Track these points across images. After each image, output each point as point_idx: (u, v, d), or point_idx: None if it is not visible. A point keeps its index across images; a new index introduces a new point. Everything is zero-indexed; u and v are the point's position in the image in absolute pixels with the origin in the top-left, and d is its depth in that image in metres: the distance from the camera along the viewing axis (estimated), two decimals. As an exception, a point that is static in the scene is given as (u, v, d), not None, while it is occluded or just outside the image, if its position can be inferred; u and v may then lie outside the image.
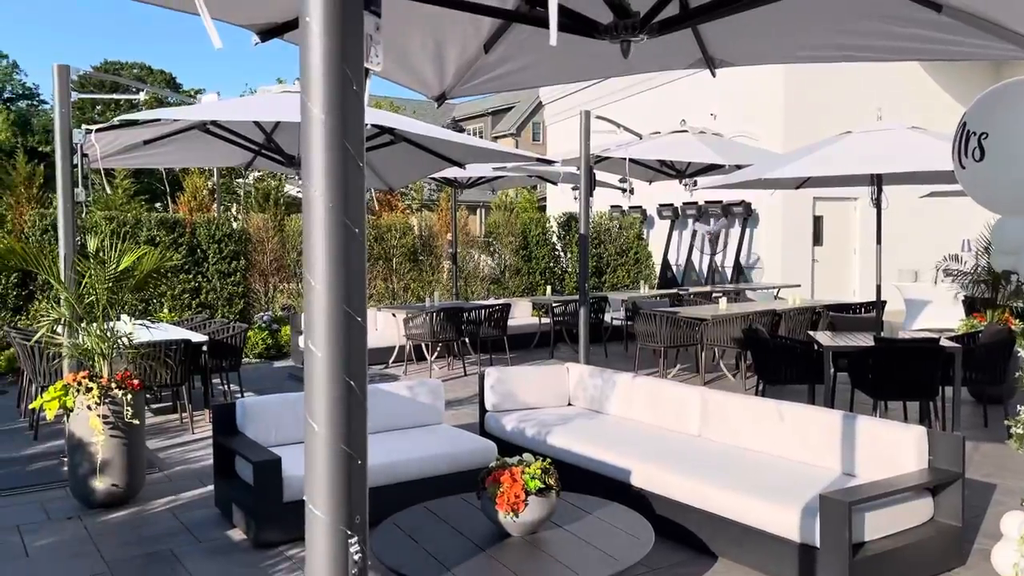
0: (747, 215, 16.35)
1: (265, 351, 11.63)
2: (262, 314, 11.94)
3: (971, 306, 9.22)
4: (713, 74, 4.54)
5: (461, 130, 12.61)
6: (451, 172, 9.17)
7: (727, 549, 4.44)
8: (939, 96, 17.26)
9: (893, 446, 4.43)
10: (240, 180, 20.11)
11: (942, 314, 12.60)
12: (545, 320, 12.06)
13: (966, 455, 6.35)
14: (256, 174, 20.13)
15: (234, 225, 12.82)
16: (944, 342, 6.62)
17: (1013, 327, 7.49)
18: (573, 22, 3.18)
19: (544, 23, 3.25)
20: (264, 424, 5.24)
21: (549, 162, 8.19)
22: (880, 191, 6.91)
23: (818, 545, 3.95)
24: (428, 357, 10.59)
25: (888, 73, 16.41)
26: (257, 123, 6.28)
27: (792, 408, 5.02)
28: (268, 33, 3.46)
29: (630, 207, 18.38)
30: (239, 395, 8.45)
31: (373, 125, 5.99)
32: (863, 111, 15.29)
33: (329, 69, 1.45)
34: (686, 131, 9.32)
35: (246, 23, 3.46)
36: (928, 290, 12.99)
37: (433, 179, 11.22)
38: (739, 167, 8.09)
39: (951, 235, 16.51)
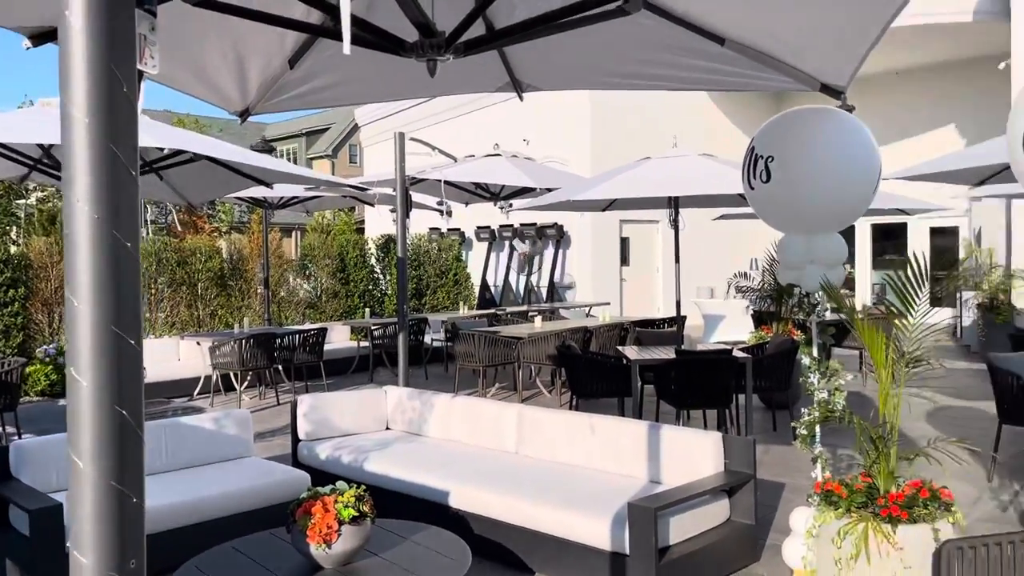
0: (560, 237, 16.94)
1: (49, 387, 10.58)
2: (45, 347, 10.87)
3: (760, 319, 10.02)
4: (520, 98, 4.66)
5: (271, 150, 12.19)
6: (260, 192, 8.81)
7: (544, 564, 4.50)
8: (724, 124, 18.75)
9: (693, 452, 4.68)
10: (20, 201, 18.30)
11: (735, 327, 13.62)
12: (364, 344, 11.83)
13: (757, 457, 6.86)
14: (40, 193, 18.40)
15: (12, 249, 11.62)
16: (736, 353, 7.13)
17: (796, 337, 8.22)
18: (379, 39, 3.13)
19: (354, 42, 3.20)
20: (43, 468, 4.73)
21: (358, 187, 8.07)
22: (677, 213, 7.36)
23: (628, 552, 4.09)
24: (237, 387, 10.06)
25: (681, 102, 17.63)
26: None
27: (603, 421, 5.19)
28: (41, 37, 3.16)
29: (449, 229, 18.52)
30: (16, 437, 7.61)
31: (157, 148, 5.63)
32: (661, 138, 16.35)
33: (93, 68, 1.32)
34: (499, 155, 9.53)
35: (15, 25, 3.14)
36: (723, 305, 14.01)
37: (241, 199, 10.73)
38: (549, 190, 8.38)
39: (741, 254, 17.92)
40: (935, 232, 17.43)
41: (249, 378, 10.47)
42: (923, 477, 4.02)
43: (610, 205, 8.55)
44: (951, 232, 16.98)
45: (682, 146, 7.58)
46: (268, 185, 6.79)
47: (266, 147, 11.81)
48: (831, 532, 3.87)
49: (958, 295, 14.28)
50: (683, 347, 7.62)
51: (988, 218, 14.13)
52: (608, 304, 14.21)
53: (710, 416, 8.54)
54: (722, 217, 10.46)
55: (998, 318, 12.38)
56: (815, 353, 4.64)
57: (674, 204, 7.44)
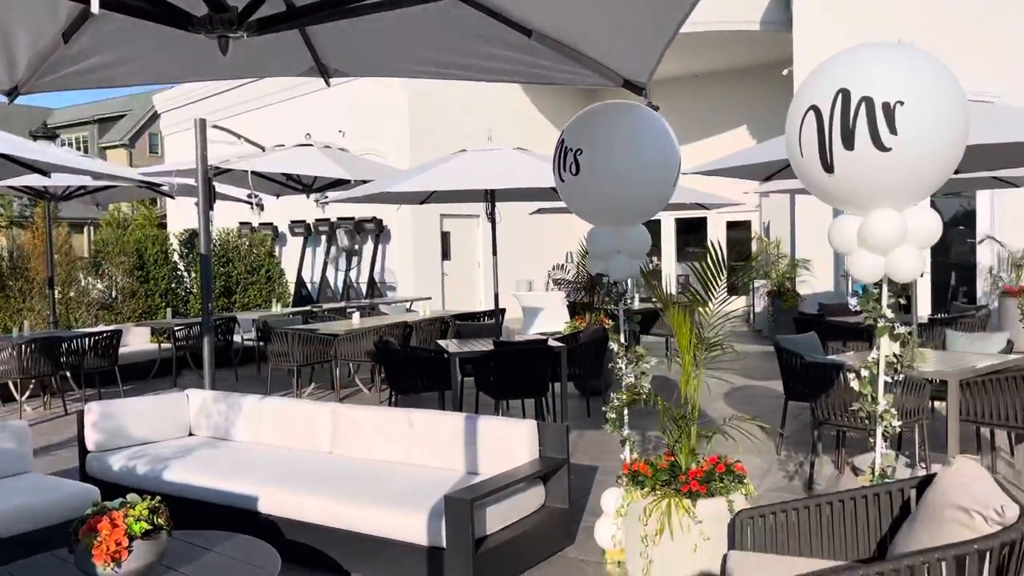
0: (379, 231, 16.68)
1: None
2: None
3: (574, 310, 10.35)
4: (327, 83, 4.49)
5: (53, 137, 11.10)
6: (37, 181, 7.98)
7: (361, 565, 4.37)
8: (540, 120, 19.22)
9: (509, 441, 4.72)
10: None
11: (553, 318, 14.00)
12: (167, 346, 11.06)
13: (573, 443, 7.08)
14: None
15: None
16: (552, 343, 7.30)
17: (606, 326, 8.54)
18: (162, 11, 2.88)
19: (128, 11, 2.92)
20: None
21: (147, 179, 7.50)
22: (493, 207, 7.42)
23: (445, 545, 4.06)
24: (18, 397, 9.09)
25: (499, 96, 17.89)
26: None
27: (420, 415, 5.13)
28: None
29: (261, 224, 17.73)
30: None
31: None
32: (481, 132, 16.50)
33: None
34: (311, 145, 9.19)
35: None
36: (541, 298, 14.37)
37: (17, 189, 9.69)
38: (364, 182, 8.19)
39: (558, 247, 18.46)
40: (731, 226, 18.78)
41: (32, 387, 9.49)
42: (720, 453, 4.27)
43: (428, 198, 8.49)
44: (745, 226, 18.35)
45: (499, 140, 7.65)
46: (44, 173, 6.15)
47: (47, 133, 10.74)
48: (638, 510, 4.02)
49: (751, 284, 15.45)
50: (501, 339, 7.71)
51: (776, 212, 15.39)
52: (429, 299, 14.15)
53: (528, 405, 8.71)
54: (538, 211, 10.70)
55: (785, 304, 13.51)
56: (622, 339, 4.81)
57: (490, 197, 7.49)
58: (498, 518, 4.32)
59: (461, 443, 4.89)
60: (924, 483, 3.24)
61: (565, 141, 4.57)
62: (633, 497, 4.07)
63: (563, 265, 11.99)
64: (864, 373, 3.56)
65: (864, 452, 5.99)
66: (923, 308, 12.93)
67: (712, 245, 4.41)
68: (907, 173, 3.26)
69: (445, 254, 17.30)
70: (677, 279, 19.17)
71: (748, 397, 8.82)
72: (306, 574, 4.45)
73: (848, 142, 3.27)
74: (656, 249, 19.65)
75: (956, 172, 6.92)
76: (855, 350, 7.74)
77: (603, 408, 4.82)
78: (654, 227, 19.64)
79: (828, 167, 3.38)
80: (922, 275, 11.43)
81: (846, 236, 3.52)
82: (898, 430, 3.61)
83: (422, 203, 8.59)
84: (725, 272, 4.32)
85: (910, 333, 7.31)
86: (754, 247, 16.46)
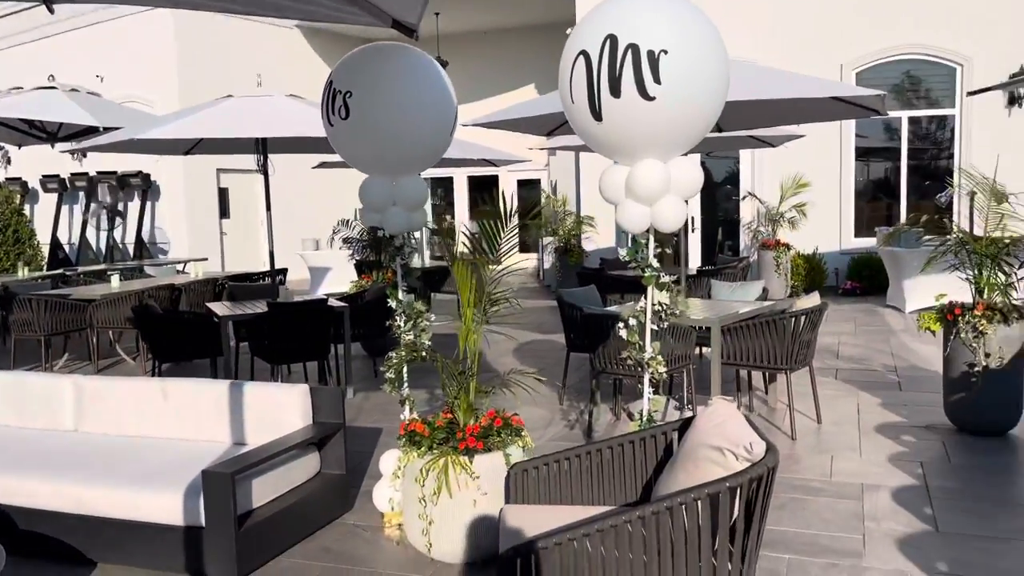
0: (147, 187, 15.30)
1: None
2: None
3: (361, 268, 10.02)
4: (51, 10, 3.85)
5: None
6: None
7: (108, 553, 3.91)
8: (322, 68, 18.38)
9: (280, 408, 4.41)
10: None
11: (341, 278, 13.57)
12: None
13: (357, 405, 6.84)
14: None
15: None
16: (332, 303, 6.97)
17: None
18: None
19: None
20: None
21: None
22: (265, 158, 6.91)
23: (204, 524, 3.71)
24: None
25: (275, 41, 16.88)
26: None
27: (178, 384, 4.67)
28: None
29: (7, 179, 15.72)
30: None
31: None
32: (254, 77, 15.52)
33: None
34: (55, 87, 8.10)
35: None
36: (328, 257, 13.85)
37: None
38: (118, 130, 7.33)
39: (346, 204, 17.88)
40: (522, 184, 19.09)
41: None
42: (499, 407, 4.22)
43: (193, 149, 7.77)
44: (534, 184, 18.72)
45: (275, 86, 7.10)
46: None
47: None
48: (415, 471, 3.88)
49: (540, 241, 15.81)
50: (279, 300, 7.26)
51: (563, 170, 15.78)
52: (206, 259, 13.21)
53: (312, 369, 8.33)
54: (321, 165, 10.19)
55: (571, 260, 13.95)
56: (401, 296, 4.62)
57: (261, 148, 6.97)
58: (267, 489, 4.02)
59: (226, 413, 4.51)
60: (685, 425, 3.34)
61: (334, 82, 4.25)
62: (410, 458, 3.92)
63: (348, 221, 11.57)
64: (632, 322, 3.61)
65: (638, 399, 6.26)
66: (693, 260, 13.84)
67: (498, 197, 4.29)
68: (670, 123, 3.28)
69: (223, 212, 16.22)
70: (471, 236, 19.27)
71: (535, 351, 8.98)
72: (41, 568, 3.92)
73: (615, 90, 3.24)
74: (450, 206, 19.61)
75: (719, 130, 7.33)
76: (634, 301, 8.07)
77: (380, 368, 4.62)
78: (447, 184, 19.57)
79: (597, 115, 3.34)
80: (693, 230, 12.08)
81: (615, 186, 3.52)
82: (665, 376, 3.71)
83: (187, 154, 7.85)
84: (508, 225, 4.23)
85: (676, 282, 7.73)
86: (542, 203, 16.85)
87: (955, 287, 9.98)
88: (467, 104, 17.52)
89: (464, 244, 4.25)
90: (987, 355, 5.23)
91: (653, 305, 3.61)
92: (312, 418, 4.46)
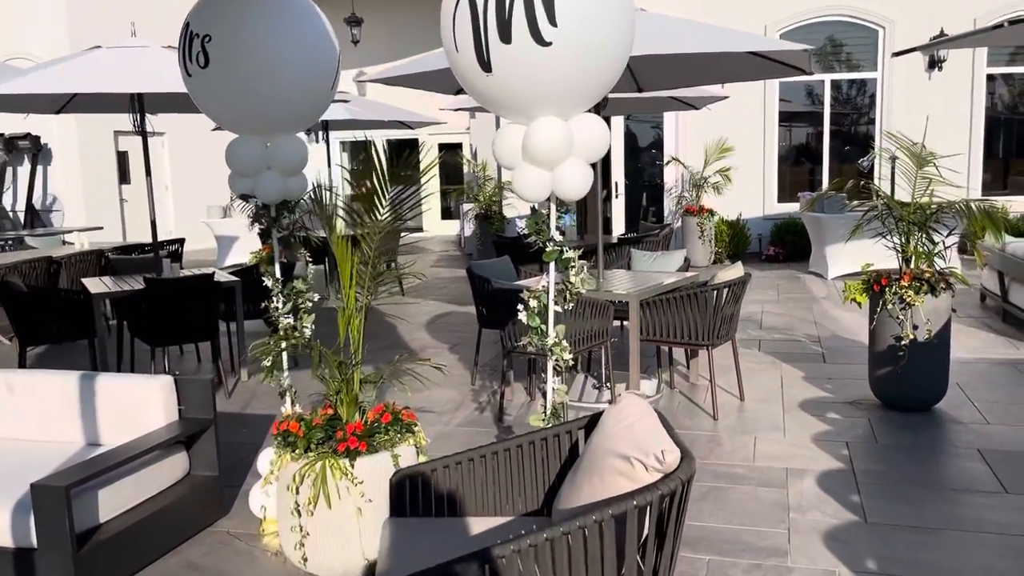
0: (37, 150, 14.15)
1: None
2: None
3: (264, 237, 9.33)
4: None
5: None
6: None
7: (-76, 581, 3.33)
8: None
9: (140, 402, 3.85)
10: None
11: (249, 248, 12.80)
12: None
13: (251, 389, 6.28)
14: None
15: None
16: (221, 276, 6.36)
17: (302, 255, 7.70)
18: None
19: None
20: None
21: None
22: (142, 116, 6.21)
23: (36, 546, 3.16)
24: None
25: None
26: None
27: (22, 377, 4.05)
28: None
29: None
30: None
31: None
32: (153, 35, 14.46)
33: None
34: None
35: None
36: (236, 225, 13.04)
37: None
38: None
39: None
40: (444, 147, 18.45)
41: None
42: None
43: (65, 107, 6.98)
44: (456, 148, 18.11)
45: (145, 37, 6.36)
46: None
47: None
48: (289, 477, 3.39)
49: (461, 208, 15.27)
50: (167, 275, 6.60)
51: (483, 132, 15.22)
52: (101, 228, 12.27)
53: (205, 350, 7.70)
54: (220, 128, 9.41)
55: (491, 228, 13.47)
56: (277, 273, 4.09)
57: (137, 105, 6.25)
58: (119, 499, 3.48)
59: (77, 409, 3.93)
60: (592, 422, 2.93)
61: (191, 25, 3.65)
62: (283, 461, 3.43)
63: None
64: (532, 303, 3.16)
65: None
66: (618, 227, 13.53)
67: (376, 153, 3.76)
68: (570, 73, 2.82)
69: (123, 177, 15.16)
70: (347, 205, 18.59)
71: (451, 324, 8.52)
72: None
73: (505, 34, 2.75)
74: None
75: (639, 90, 6.92)
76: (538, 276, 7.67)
77: (248, 353, 4.08)
78: (366, 148, 18.75)
79: (485, 65, 2.85)
80: (617, 196, 11.74)
81: (510, 149, 3.04)
82: (571, 362, 3.29)
83: (58, 112, 7.05)
84: (389, 187, 3.72)
85: (587, 255, 7.35)
86: (465, 170, 16.28)
87: (877, 253, 9.89)
88: (384, 64, 16.73)
89: (341, 215, 3.73)
90: (915, 327, 4.99)
91: (556, 284, 3.17)
92: (178, 413, 3.91)
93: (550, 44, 2.75)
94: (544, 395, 5.32)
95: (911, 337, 4.99)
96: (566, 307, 3.18)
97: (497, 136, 3.07)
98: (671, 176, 13.28)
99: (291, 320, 4.05)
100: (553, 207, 3.17)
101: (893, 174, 9.99)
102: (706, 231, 12.05)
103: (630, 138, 13.58)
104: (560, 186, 3.01)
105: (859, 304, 5.27)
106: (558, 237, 3.10)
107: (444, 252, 15.31)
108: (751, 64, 5.94)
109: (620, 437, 2.52)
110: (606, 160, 13.78)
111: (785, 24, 12.69)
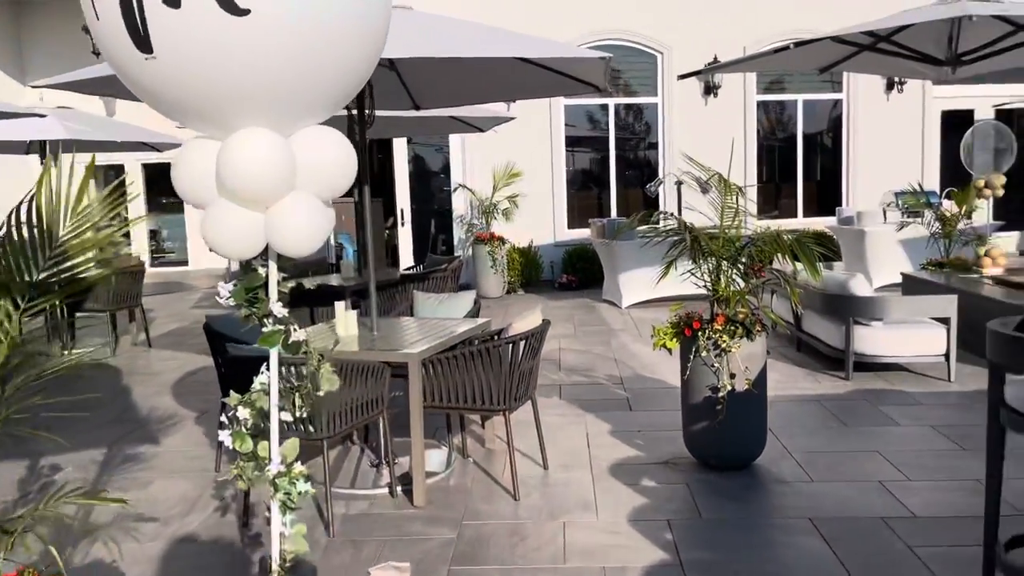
0: None
1: None
2: None
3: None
4: None
5: None
6: None
7: None
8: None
9: None
10: None
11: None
12: None
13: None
14: None
15: None
16: None
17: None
18: None
19: None
20: None
21: None
22: None
23: None
24: None
25: None
26: None
27: None
28: None
29: None
30: None
31: None
32: None
33: None
34: None
35: None
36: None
37: None
38: None
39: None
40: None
41: None
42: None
43: None
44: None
45: None
46: None
47: None
48: None
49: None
50: None
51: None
52: None
53: None
54: None
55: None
56: None
57: None
58: None
59: None
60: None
61: None
62: None
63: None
64: (243, 414, 2.08)
65: (316, 457, 4.75)
66: (406, 258, 12.57)
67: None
68: (283, 59, 1.80)
69: None
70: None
71: (203, 384, 7.12)
72: None
73: (168, -9, 1.69)
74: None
75: (416, 108, 6.01)
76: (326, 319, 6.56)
77: None
78: (119, 173, 16.48)
79: (142, 42, 1.77)
80: (403, 224, 10.63)
81: (198, 175, 1.97)
82: (311, 492, 2.23)
83: None
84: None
85: (356, 303, 6.33)
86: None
87: (669, 280, 9.65)
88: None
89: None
90: (732, 376, 4.41)
91: (283, 381, 2.12)
92: None
93: (247, 13, 1.73)
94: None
95: (729, 388, 4.40)
96: (300, 414, 2.13)
97: (178, 157, 1.99)
98: (460, 203, 12.54)
99: None
100: (274, 266, 2.12)
101: (680, 200, 9.80)
102: (498, 260, 11.38)
103: (417, 162, 12.70)
104: (277, 234, 1.97)
105: (669, 351, 4.64)
106: (279, 311, 2.05)
107: (211, 289, 13.58)
108: (540, 78, 5.21)
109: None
110: (391, 186, 12.80)
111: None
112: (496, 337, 4.49)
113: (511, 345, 4.24)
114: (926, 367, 6.66)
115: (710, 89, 12.59)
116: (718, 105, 12.64)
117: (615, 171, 12.91)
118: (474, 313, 5.46)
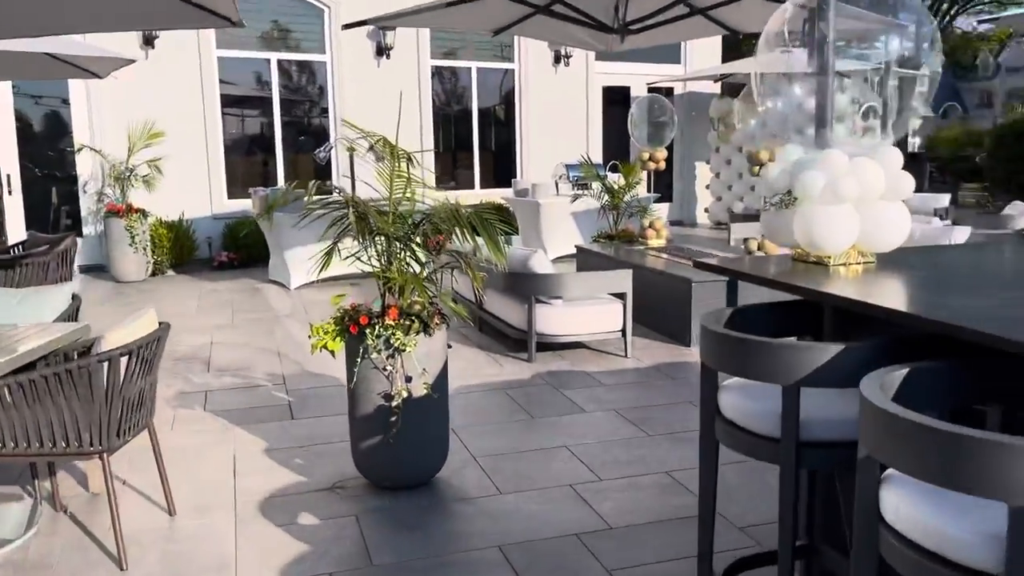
0: None
1: None
2: None
3: None
4: None
5: None
6: None
7: None
8: None
9: None
10: None
11: None
12: None
13: None
14: None
15: None
16: None
17: None
18: None
19: None
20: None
21: None
22: None
23: None
24: None
25: None
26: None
27: None
28: None
29: None
30: None
31: None
32: None
33: None
34: None
35: None
36: None
37: None
38: None
39: None
40: None
41: None
42: None
43: None
44: None
45: None
46: None
47: None
48: None
49: None
50: None
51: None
52: None
53: None
54: None
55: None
56: None
57: None
58: None
59: None
60: None
61: None
62: None
63: None
64: None
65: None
66: (17, 234, 10.20)
67: None
68: None
69: None
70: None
71: None
72: None
73: None
74: None
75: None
76: None
77: None
78: None
79: None
80: (11, 192, 8.42)
81: None
82: None
83: None
84: None
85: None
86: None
87: (339, 261, 8.76)
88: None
89: None
90: (408, 379, 3.65)
91: None
92: None
93: None
94: None
95: (404, 394, 3.64)
96: None
97: None
98: (86, 167, 10.43)
99: None
100: None
101: (353, 168, 8.90)
102: (138, 237, 9.61)
103: (30, 116, 10.31)
104: None
105: (333, 354, 3.75)
106: None
107: None
108: (157, 5, 3.99)
109: None
110: (-7, 145, 10.27)
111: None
112: (89, 352, 3.27)
113: (107, 363, 3.06)
114: (604, 343, 6.52)
115: (382, 50, 11.77)
116: (391, 68, 11.89)
117: (281, 135, 11.62)
118: (72, 313, 4.11)
